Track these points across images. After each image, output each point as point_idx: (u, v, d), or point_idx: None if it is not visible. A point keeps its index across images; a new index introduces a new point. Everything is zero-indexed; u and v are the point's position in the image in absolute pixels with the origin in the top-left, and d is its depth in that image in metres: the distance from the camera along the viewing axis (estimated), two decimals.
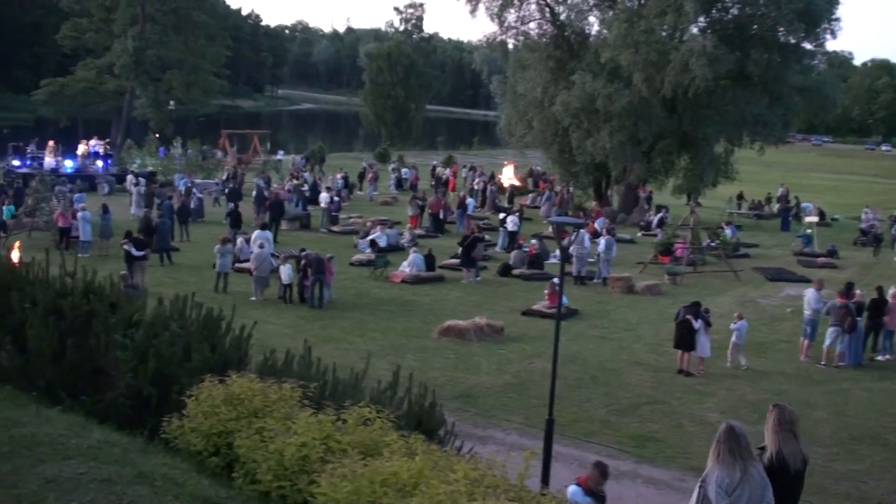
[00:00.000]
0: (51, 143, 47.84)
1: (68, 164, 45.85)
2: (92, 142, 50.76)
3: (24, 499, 5.19)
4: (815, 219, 41.35)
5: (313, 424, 6.34)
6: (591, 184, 47.27)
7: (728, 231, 36.45)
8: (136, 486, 5.58)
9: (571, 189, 47.08)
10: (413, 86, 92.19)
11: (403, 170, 56.56)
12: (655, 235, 37.30)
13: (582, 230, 29.12)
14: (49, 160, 45.53)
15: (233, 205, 34.77)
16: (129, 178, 41.56)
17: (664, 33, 40.13)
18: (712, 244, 33.62)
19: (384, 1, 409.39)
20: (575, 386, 17.84)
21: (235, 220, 32.68)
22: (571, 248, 28.61)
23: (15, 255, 17.79)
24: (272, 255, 27.44)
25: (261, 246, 25.17)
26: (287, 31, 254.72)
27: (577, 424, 15.60)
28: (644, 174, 43.92)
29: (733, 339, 19.72)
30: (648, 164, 43.55)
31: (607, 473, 8.90)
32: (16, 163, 44.97)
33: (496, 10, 45.13)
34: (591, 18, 45.18)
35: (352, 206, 44.14)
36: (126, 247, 24.55)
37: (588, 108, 40.62)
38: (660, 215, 40.60)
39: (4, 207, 32.30)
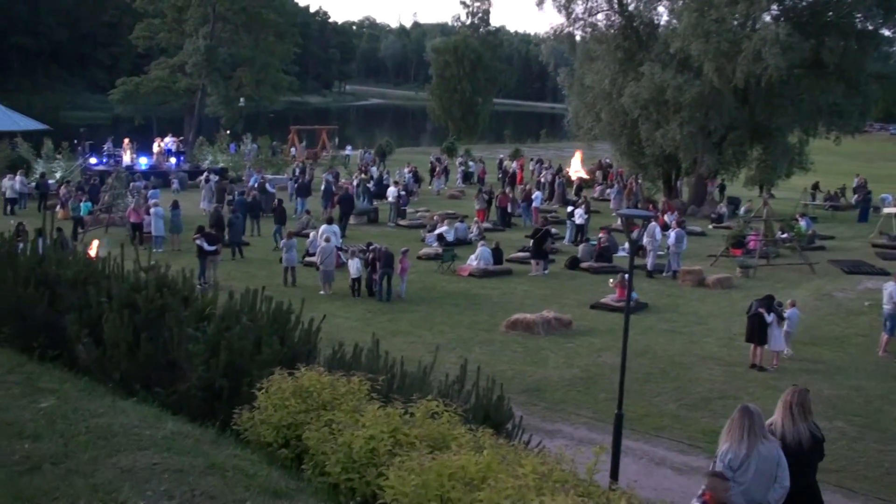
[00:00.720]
0: (126, 140, 48.93)
1: (143, 162, 46.87)
2: (167, 139, 51.77)
3: (100, 488, 5.30)
4: (893, 210, 40.13)
5: (381, 417, 6.35)
6: (661, 176, 46.62)
7: (803, 223, 35.63)
8: (208, 477, 5.66)
9: (640, 181, 46.50)
10: (480, 79, 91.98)
11: (470, 163, 56.51)
12: (728, 228, 36.60)
13: (653, 223, 28.82)
14: (125, 158, 46.58)
15: (278, 200, 34.32)
16: (206, 174, 42.27)
17: (735, 22, 39.27)
18: (786, 236, 32.88)
19: None
20: (644, 380, 17.63)
21: (280, 215, 32.27)
22: (643, 241, 28.34)
23: (93, 251, 18.24)
24: (340, 249, 27.71)
25: (326, 240, 25.38)
26: (354, 28, 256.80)
27: (646, 419, 15.41)
28: (715, 165, 43.13)
29: (784, 326, 19.17)
30: (719, 155, 42.74)
31: (727, 479, 7.69)
32: (93, 160, 46.10)
33: (563, 1, 44.74)
34: (661, 8, 44.54)
35: (419, 200, 44.29)
36: (198, 241, 25.00)
37: (657, 100, 40.05)
38: (743, 208, 39.88)
39: (82, 204, 33.15)
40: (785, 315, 19.19)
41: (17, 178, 37.81)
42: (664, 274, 28.71)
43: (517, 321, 21.45)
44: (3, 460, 5.61)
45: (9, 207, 36.69)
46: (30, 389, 7.19)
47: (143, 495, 5.25)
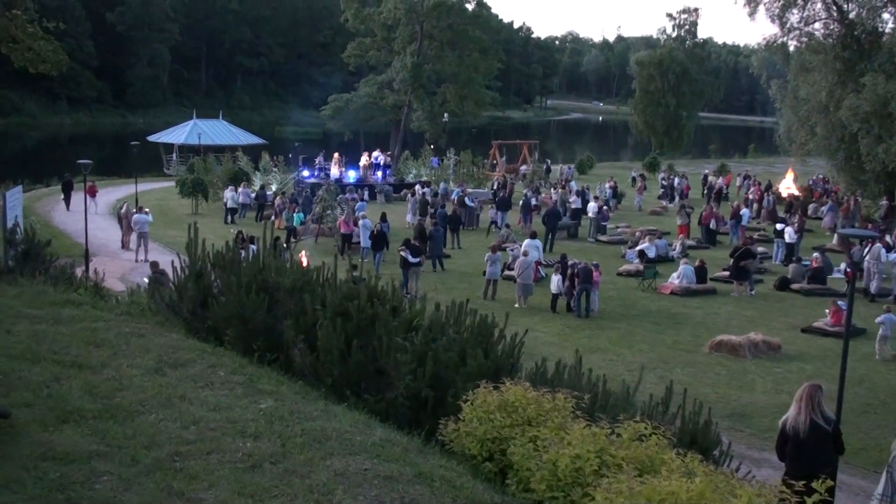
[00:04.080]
0: (336, 154, 51.01)
1: (351, 175, 48.74)
2: (375, 153, 53.59)
3: (315, 489, 5.51)
4: None
5: (587, 436, 6.26)
6: (882, 193, 43.70)
7: None
8: (417, 486, 5.76)
9: (859, 199, 43.81)
10: (685, 93, 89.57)
11: (674, 178, 55.21)
12: None
13: (878, 244, 27.15)
14: (335, 171, 48.58)
15: (377, 225, 30.25)
16: (418, 188, 43.47)
17: None
18: None
19: (656, 8, 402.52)
20: (861, 411, 16.58)
21: (378, 240, 29.22)
22: (865, 262, 26.75)
23: (304, 260, 19.13)
24: (540, 263, 27.73)
25: (525, 254, 25.46)
26: (557, 43, 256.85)
27: (863, 453, 14.48)
28: None
29: (881, 331, 19.37)
30: None
31: None
32: (305, 173, 48.38)
33: (777, 11, 42.86)
34: (885, 16, 41.83)
35: (620, 215, 43.70)
36: (403, 253, 25.72)
37: (880, 112, 37.56)
38: None
39: (295, 214, 34.89)
40: (878, 321, 19.91)
41: (241, 189, 40.32)
42: (889, 298, 26.89)
43: (722, 342, 20.76)
44: (228, 457, 5.94)
45: (229, 217, 39.13)
46: (251, 390, 7.59)
47: (356, 499, 5.41)
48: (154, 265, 20.54)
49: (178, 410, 6.75)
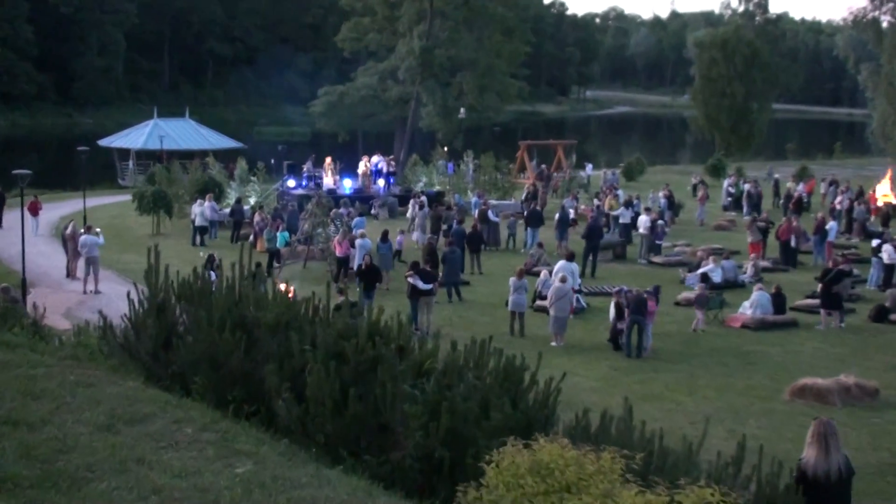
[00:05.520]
0: (328, 159, 51.11)
1: (347, 185, 48.80)
2: (374, 158, 53.64)
3: None
4: None
5: None
6: None
7: None
8: None
9: None
10: (755, 80, 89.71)
11: (744, 185, 55.10)
12: None
13: None
14: (327, 180, 48.65)
15: (366, 259, 28.39)
16: (415, 200, 43.42)
17: None
18: None
19: None
20: None
21: (369, 280, 27.33)
22: None
23: (290, 290, 19.14)
24: (578, 291, 27.66)
25: (562, 280, 25.36)
26: (597, 21, 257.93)
27: None
28: None
29: None
30: None
31: None
32: (291, 183, 48.37)
33: None
34: None
35: (677, 231, 43.61)
36: (411, 279, 25.65)
37: None
38: None
39: (278, 234, 34.91)
40: None
41: (207, 203, 40.36)
42: None
43: (805, 387, 20.64)
44: None
45: (198, 237, 39.24)
46: (225, 451, 7.56)
47: None
48: (5, 290, 19.77)
49: (134, 477, 6.73)
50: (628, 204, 41.60)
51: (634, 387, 20.70)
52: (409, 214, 41.80)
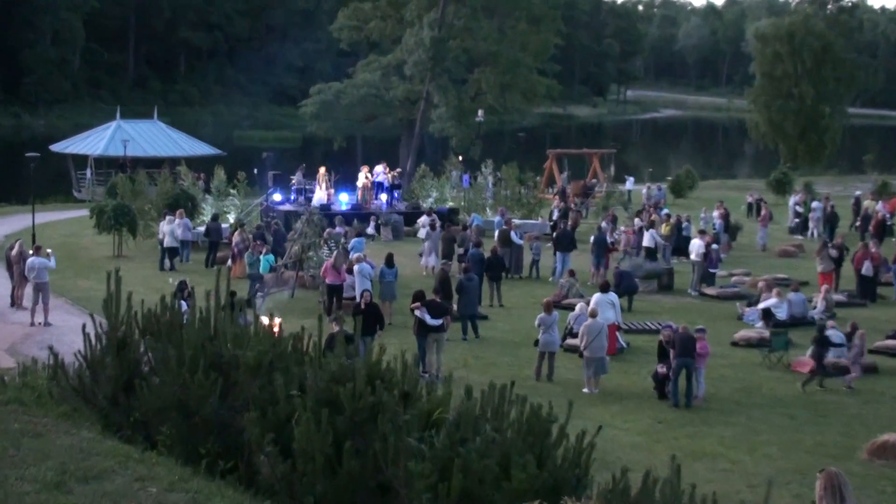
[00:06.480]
0: (322, 170, 51.10)
1: (343, 199, 48.80)
2: (378, 168, 53.65)
3: None
4: None
5: None
6: None
7: None
8: None
9: None
10: (827, 79, 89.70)
11: (814, 203, 55.04)
12: None
13: None
14: (319, 194, 48.67)
15: (365, 296, 26.77)
16: (424, 218, 43.25)
17: None
18: None
19: None
20: None
21: (368, 321, 24.33)
22: None
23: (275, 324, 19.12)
24: (619, 328, 27.60)
25: (592, 314, 25.28)
26: (641, 8, 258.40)
27: None
28: None
29: None
30: None
31: None
32: (277, 197, 48.41)
33: None
34: None
35: (734, 257, 43.54)
36: (419, 313, 25.57)
37: None
38: None
39: (262, 257, 34.84)
40: None
41: (179, 220, 40.37)
42: None
43: (887, 445, 20.55)
44: None
45: (167, 260, 39.22)
46: None
47: None
48: None
49: None
50: (651, 225, 41.55)
51: (683, 442, 20.67)
52: (421, 234, 41.52)
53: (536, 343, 25.83)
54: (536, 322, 25.72)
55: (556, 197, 55.98)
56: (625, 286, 32.99)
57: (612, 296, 28.50)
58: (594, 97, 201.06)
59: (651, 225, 41.51)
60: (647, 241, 39.99)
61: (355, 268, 30.90)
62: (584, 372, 24.68)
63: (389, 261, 31.47)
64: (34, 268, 30.54)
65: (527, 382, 23.46)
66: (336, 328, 19.06)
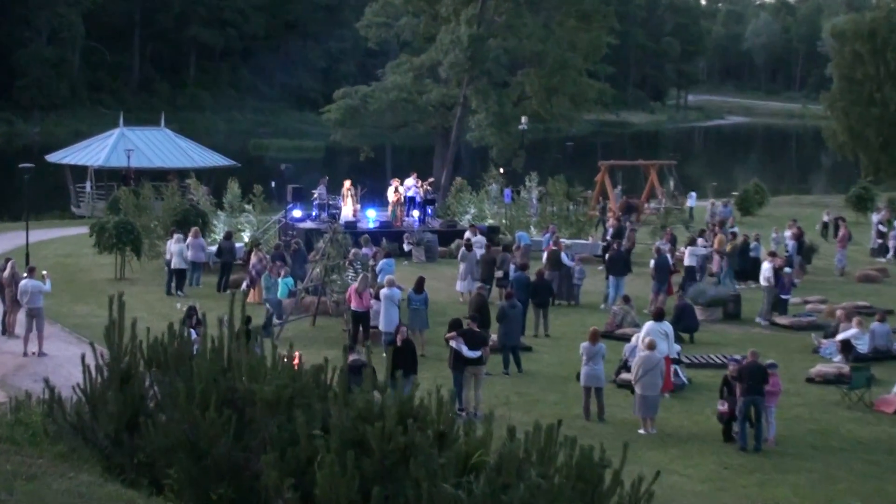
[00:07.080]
0: (347, 183, 51.14)
1: (371, 216, 48.84)
2: (409, 181, 53.64)
3: None
4: None
5: None
6: None
7: None
8: None
9: None
10: None
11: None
12: None
13: None
14: (345, 210, 48.70)
15: (401, 332, 25.82)
16: (468, 234, 43.10)
17: None
18: None
19: None
20: None
21: (405, 361, 22.72)
22: None
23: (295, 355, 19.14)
24: (676, 361, 27.48)
25: (650, 347, 25.09)
26: (704, 3, 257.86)
27: None
28: None
29: None
30: None
31: None
32: (297, 213, 48.48)
33: None
34: None
35: (810, 282, 43.34)
36: (454, 344, 25.51)
37: None
38: None
39: (280, 280, 34.86)
40: None
41: (192, 239, 40.41)
42: None
43: None
44: None
45: (174, 284, 39.24)
46: None
47: None
48: None
49: None
50: (692, 241, 41.38)
51: (752, 490, 20.63)
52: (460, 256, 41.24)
53: (578, 377, 25.72)
54: (581, 350, 25.58)
55: (612, 214, 55.82)
56: (684, 325, 32.80)
57: (666, 325, 28.15)
58: (651, 102, 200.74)
59: (692, 242, 41.34)
60: (688, 259, 39.85)
61: (382, 293, 30.48)
62: (637, 410, 24.57)
63: (419, 286, 30.91)
64: (27, 291, 30.59)
65: (576, 422, 23.41)
66: (353, 356, 18.96)
